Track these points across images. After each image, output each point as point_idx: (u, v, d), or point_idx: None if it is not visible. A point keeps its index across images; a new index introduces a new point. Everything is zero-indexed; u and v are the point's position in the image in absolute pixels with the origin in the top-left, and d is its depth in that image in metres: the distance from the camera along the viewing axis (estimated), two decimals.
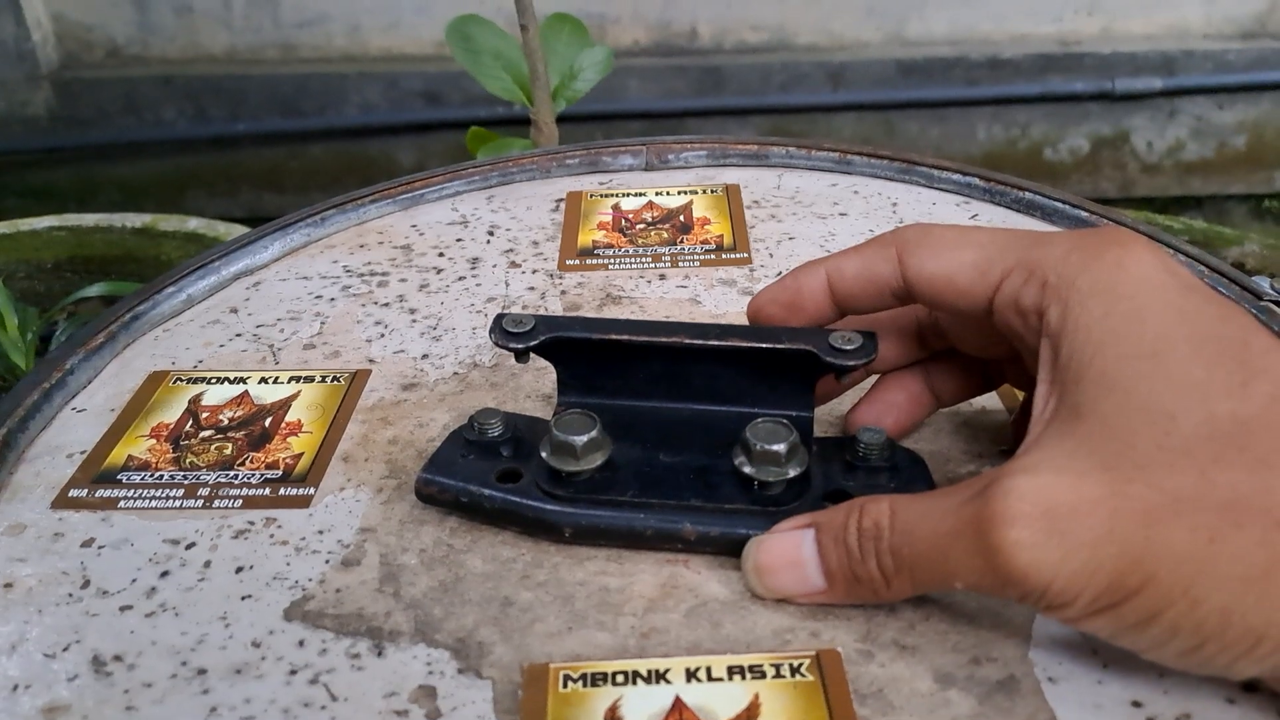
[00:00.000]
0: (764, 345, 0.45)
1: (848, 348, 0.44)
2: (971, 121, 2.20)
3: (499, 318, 0.47)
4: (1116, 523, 0.34)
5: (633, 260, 0.65)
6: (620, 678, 0.39)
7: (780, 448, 0.43)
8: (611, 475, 0.45)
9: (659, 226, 0.69)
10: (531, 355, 0.47)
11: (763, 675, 0.39)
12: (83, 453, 0.51)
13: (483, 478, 0.46)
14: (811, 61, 2.18)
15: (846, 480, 0.45)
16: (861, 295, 0.45)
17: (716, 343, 0.45)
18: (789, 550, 0.42)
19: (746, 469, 0.44)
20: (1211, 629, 0.33)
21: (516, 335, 0.46)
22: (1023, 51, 2.16)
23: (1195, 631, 0.34)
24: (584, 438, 0.44)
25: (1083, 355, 0.37)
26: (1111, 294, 0.37)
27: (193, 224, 1.35)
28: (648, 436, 0.47)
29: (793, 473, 0.44)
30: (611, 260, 0.66)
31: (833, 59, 2.18)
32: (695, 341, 0.45)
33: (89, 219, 1.37)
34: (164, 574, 0.44)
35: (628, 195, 0.72)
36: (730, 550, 0.44)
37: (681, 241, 0.67)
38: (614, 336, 0.46)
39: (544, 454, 0.44)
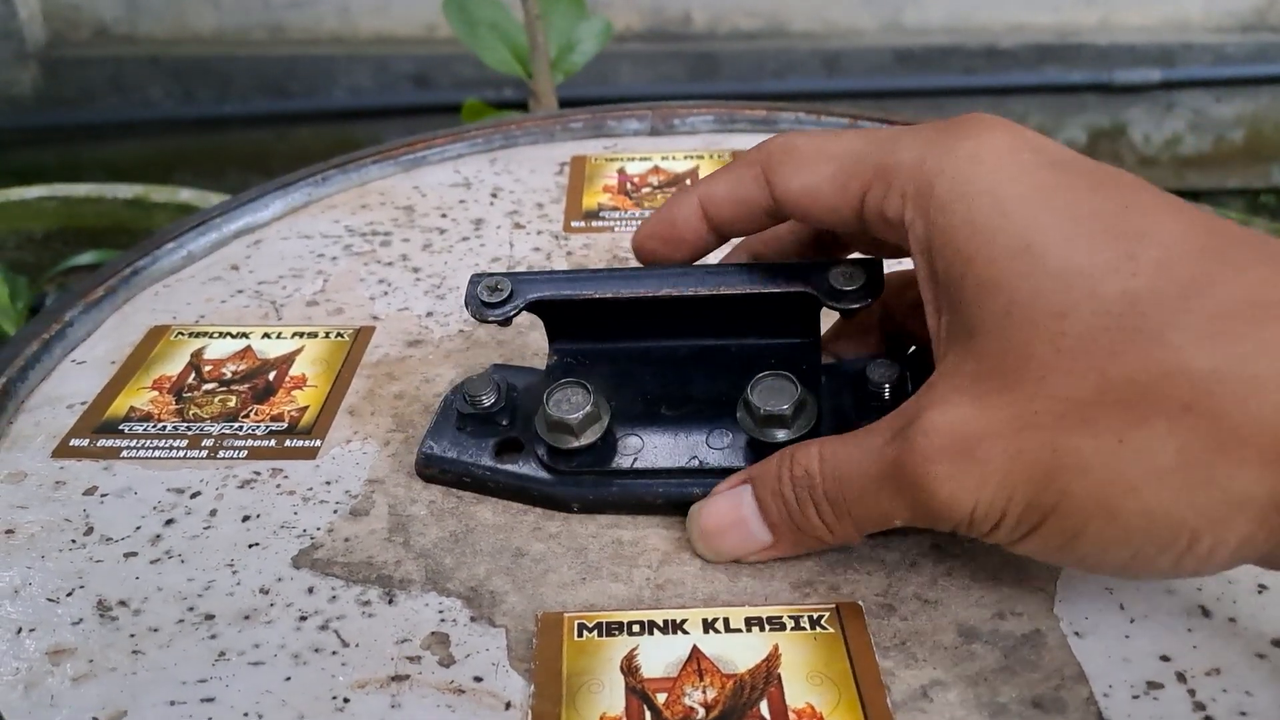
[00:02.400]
0: (758, 291, 0.43)
1: (848, 287, 0.42)
2: (967, 111, 2.19)
3: (474, 282, 0.45)
4: (1024, 443, 0.33)
5: (639, 223, 0.64)
6: (636, 627, 0.38)
7: (785, 408, 0.41)
8: (614, 438, 0.44)
9: (665, 190, 0.68)
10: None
11: (782, 627, 0.38)
12: (83, 403, 0.50)
13: (482, 453, 0.45)
14: (806, 49, 2.17)
15: (859, 420, 0.41)
16: (736, 218, 0.43)
17: (708, 291, 0.43)
18: (730, 510, 0.41)
19: (753, 432, 0.42)
20: (1139, 535, 0.32)
21: (493, 305, 0.44)
22: (1020, 41, 2.16)
23: (1123, 541, 0.32)
24: (579, 414, 0.42)
25: (956, 266, 0.35)
26: (969, 193, 0.35)
27: (185, 195, 1.34)
28: (647, 381, 0.46)
29: (800, 431, 0.42)
30: (618, 223, 0.65)
31: (828, 46, 2.17)
32: (685, 293, 0.43)
33: (80, 189, 1.35)
34: (169, 522, 0.43)
35: (633, 159, 0.71)
36: None
37: None
38: (596, 295, 0.44)
39: (540, 433, 0.43)
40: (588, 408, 0.42)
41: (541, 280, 0.45)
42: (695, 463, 0.43)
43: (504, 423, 0.45)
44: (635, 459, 0.43)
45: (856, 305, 0.42)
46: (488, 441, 0.45)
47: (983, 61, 2.16)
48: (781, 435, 0.42)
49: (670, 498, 0.43)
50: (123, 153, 2.22)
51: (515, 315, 0.44)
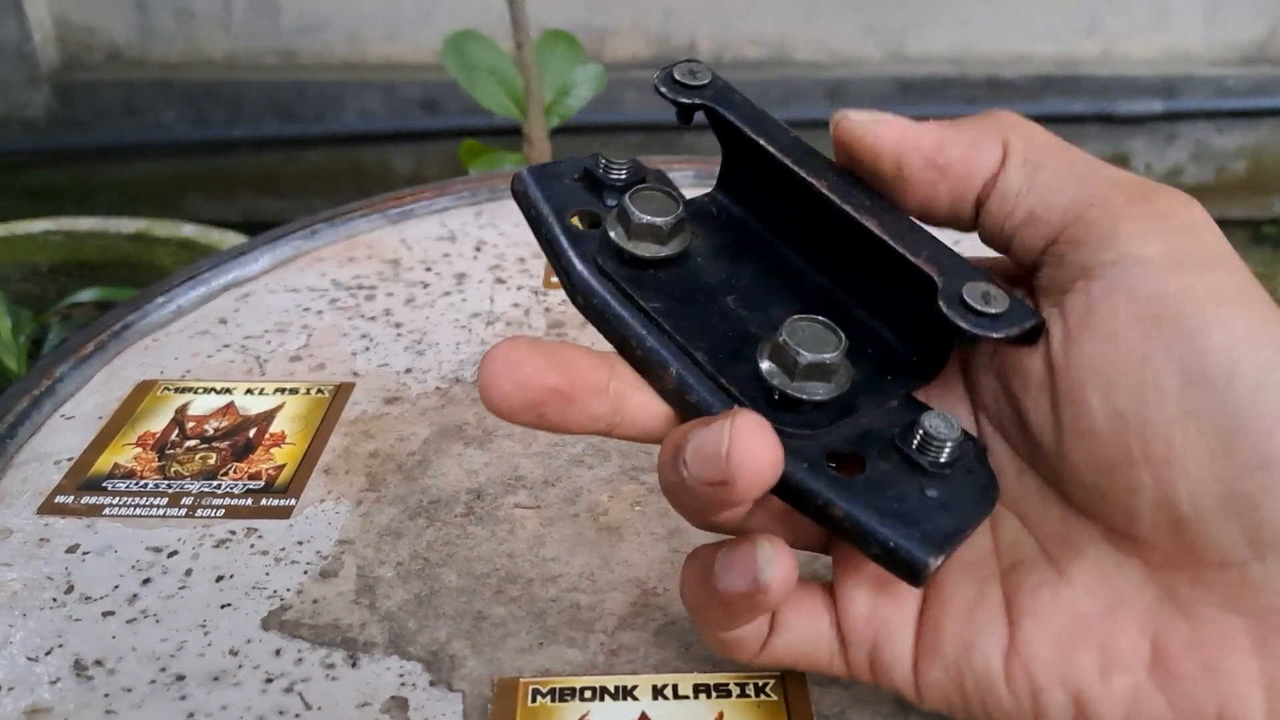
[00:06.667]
0: (890, 243, 0.35)
1: (987, 309, 0.33)
2: None
3: (670, 68, 0.40)
4: None
5: None
6: (588, 693, 0.40)
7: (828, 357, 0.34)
8: (661, 276, 0.38)
9: None
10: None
11: (728, 694, 0.40)
12: (70, 460, 0.52)
13: (563, 209, 0.39)
14: (810, 78, 2.19)
15: (881, 457, 0.35)
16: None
17: (851, 210, 0.36)
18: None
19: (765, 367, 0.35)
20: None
21: (685, 88, 0.40)
22: (1022, 72, 2.17)
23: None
24: (646, 220, 0.37)
25: None
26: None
27: (187, 230, 1.36)
28: (739, 273, 0.39)
29: (821, 395, 0.34)
30: None
31: (831, 75, 2.19)
32: (833, 198, 0.36)
33: (84, 224, 1.38)
34: (146, 581, 0.45)
35: None
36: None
37: None
38: (762, 142, 0.38)
39: (606, 220, 0.38)
40: (661, 219, 0.37)
41: (734, 96, 0.40)
42: (704, 348, 0.36)
43: (610, 203, 0.40)
44: (659, 304, 0.37)
45: (980, 334, 0.33)
46: (578, 202, 0.39)
47: (985, 92, 2.18)
48: (807, 388, 0.34)
49: (647, 359, 0.36)
50: (134, 175, 2.24)
51: (694, 105, 0.40)
